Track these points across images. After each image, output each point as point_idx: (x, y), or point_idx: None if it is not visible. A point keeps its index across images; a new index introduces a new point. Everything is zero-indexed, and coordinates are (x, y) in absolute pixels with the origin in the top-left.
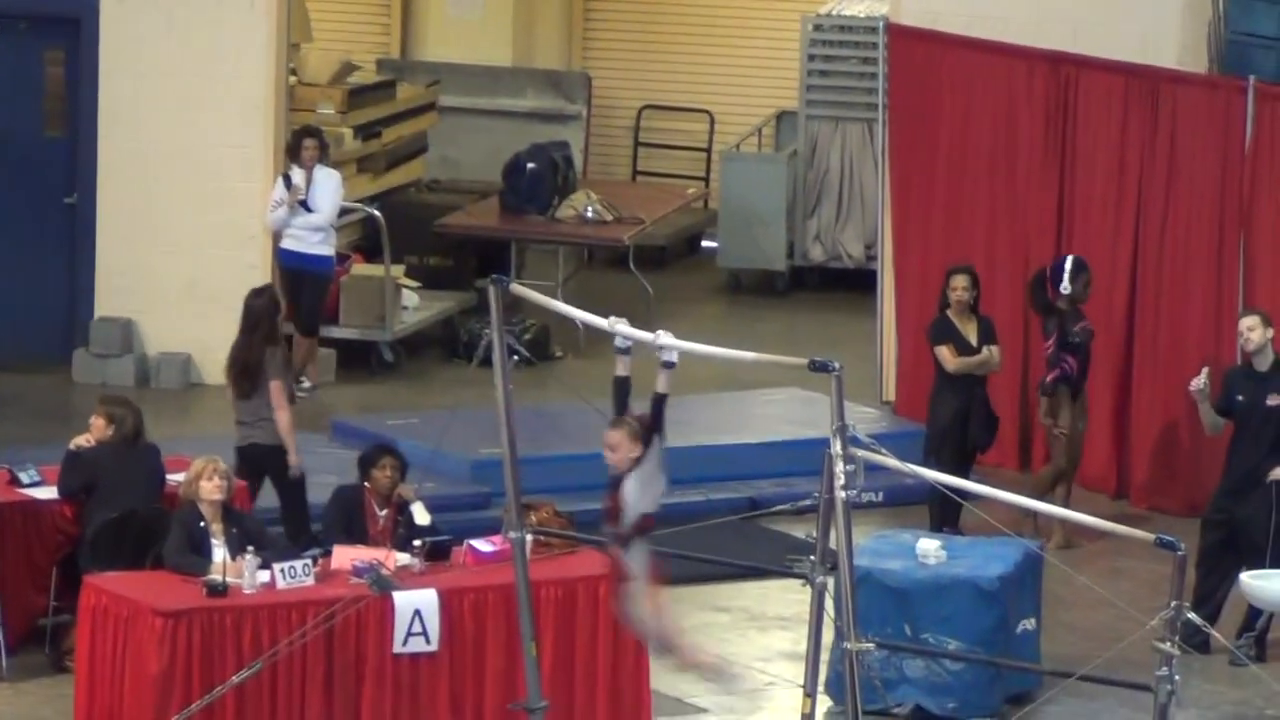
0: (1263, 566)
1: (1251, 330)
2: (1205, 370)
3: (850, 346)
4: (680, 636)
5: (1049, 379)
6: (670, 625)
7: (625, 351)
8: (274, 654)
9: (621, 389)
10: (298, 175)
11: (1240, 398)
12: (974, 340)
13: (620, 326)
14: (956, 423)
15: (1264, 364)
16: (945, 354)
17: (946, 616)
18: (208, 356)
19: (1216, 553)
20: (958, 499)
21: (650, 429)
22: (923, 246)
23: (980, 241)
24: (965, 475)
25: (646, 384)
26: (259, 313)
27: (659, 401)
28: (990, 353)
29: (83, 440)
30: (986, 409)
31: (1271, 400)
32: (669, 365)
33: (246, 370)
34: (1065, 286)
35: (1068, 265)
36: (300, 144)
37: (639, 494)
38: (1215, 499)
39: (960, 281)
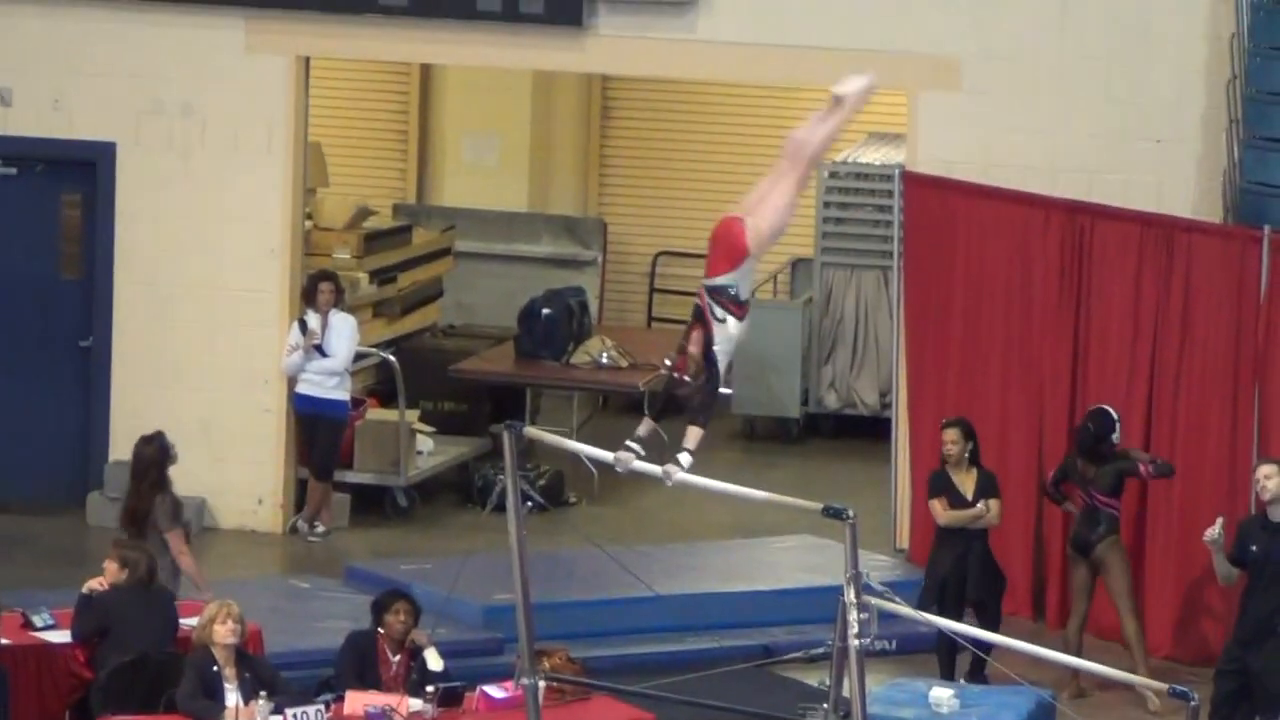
0: (1276, 716)
1: (1269, 479)
2: (1220, 520)
3: (864, 494)
4: None
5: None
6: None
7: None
8: None
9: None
10: (313, 320)
11: (1254, 548)
12: (969, 494)
13: (635, 464)
14: (954, 576)
15: (1279, 514)
16: (936, 508)
17: None
18: (222, 500)
19: (1230, 702)
20: (973, 648)
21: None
22: (937, 394)
23: (995, 389)
24: None
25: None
26: (147, 461)
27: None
28: (987, 507)
29: (96, 584)
30: (986, 565)
31: None
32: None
33: (134, 518)
34: (1118, 436)
35: (1115, 414)
36: (316, 288)
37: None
38: (1228, 649)
39: (950, 435)
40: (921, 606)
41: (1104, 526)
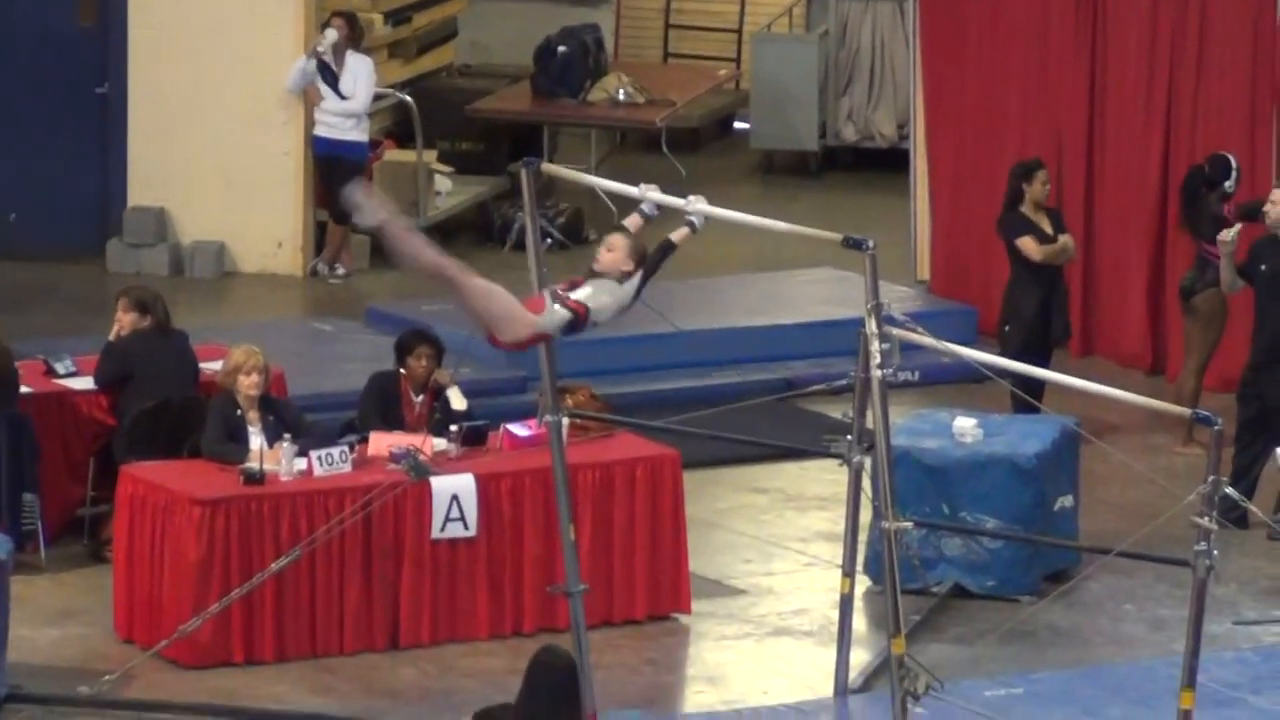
0: None
1: (1274, 204)
2: (1237, 226)
3: (884, 226)
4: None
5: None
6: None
7: (649, 219)
8: (312, 541)
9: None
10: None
11: (1263, 267)
12: (1049, 231)
13: (652, 194)
14: (1040, 316)
15: None
16: (1030, 245)
17: (984, 495)
18: (241, 244)
19: (1252, 428)
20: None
21: (648, 267)
22: (955, 125)
23: (1014, 119)
24: (1047, 368)
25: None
26: None
27: (665, 249)
28: (1067, 239)
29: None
30: (1067, 300)
31: None
32: (691, 226)
33: None
34: (1230, 186)
35: (1234, 162)
36: (329, 24)
37: (597, 292)
38: (1245, 373)
39: (1045, 176)
40: (1011, 349)
41: (1209, 275)
